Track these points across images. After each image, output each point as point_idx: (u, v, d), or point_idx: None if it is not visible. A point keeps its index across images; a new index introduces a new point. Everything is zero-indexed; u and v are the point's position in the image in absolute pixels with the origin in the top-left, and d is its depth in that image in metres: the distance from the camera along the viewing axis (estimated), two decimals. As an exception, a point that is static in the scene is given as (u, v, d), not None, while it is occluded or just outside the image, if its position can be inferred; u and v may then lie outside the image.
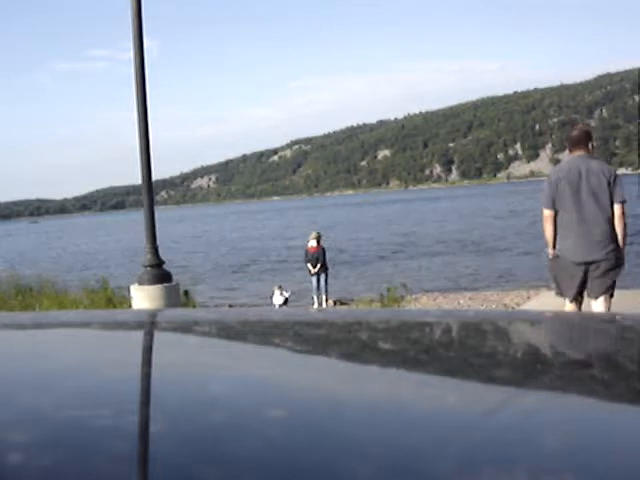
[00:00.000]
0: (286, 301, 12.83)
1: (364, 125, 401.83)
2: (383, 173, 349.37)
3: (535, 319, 1.22)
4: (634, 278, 11.40)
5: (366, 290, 14.41)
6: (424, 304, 11.99)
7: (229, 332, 1.12)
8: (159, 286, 7.37)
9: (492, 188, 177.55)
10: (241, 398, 0.67)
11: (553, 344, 1.06)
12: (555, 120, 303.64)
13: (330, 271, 14.01)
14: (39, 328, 1.20)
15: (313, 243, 13.77)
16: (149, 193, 7.69)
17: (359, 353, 0.95)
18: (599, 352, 0.97)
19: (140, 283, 7.47)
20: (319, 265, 13.46)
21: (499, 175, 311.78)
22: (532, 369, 0.82)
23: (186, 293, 10.65)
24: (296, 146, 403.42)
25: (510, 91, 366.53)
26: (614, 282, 5.11)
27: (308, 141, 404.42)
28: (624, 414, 0.65)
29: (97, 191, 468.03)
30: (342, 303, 13.16)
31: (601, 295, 5.07)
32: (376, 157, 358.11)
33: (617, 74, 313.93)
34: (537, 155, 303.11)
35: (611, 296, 5.11)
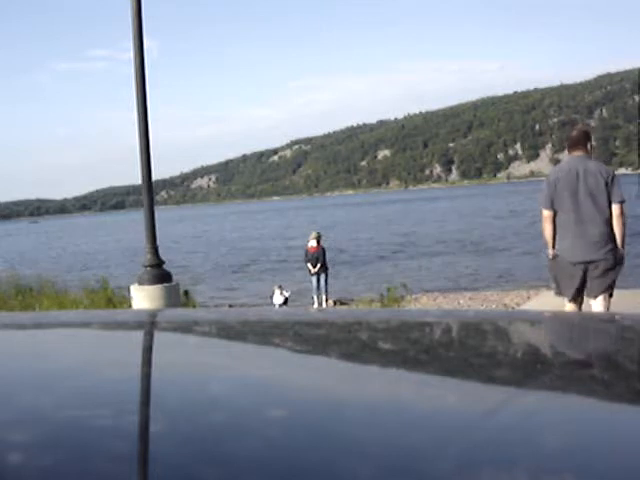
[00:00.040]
0: (286, 301, 12.83)
1: (364, 125, 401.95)
2: (383, 173, 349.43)
3: (535, 319, 1.22)
4: (634, 278, 11.40)
5: (366, 290, 14.41)
6: (424, 304, 11.99)
7: (229, 332, 1.12)
8: (159, 286, 7.37)
9: (492, 188, 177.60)
10: (241, 398, 0.67)
11: (553, 344, 1.06)
12: (555, 120, 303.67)
13: (330, 271, 14.02)
14: (39, 328, 1.20)
15: (313, 243, 13.78)
16: (149, 193, 7.70)
17: (359, 353, 0.95)
18: (599, 352, 0.97)
19: (140, 283, 7.47)
20: (319, 265, 13.47)
21: (499, 175, 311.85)
22: (532, 369, 0.82)
23: (186, 293, 10.65)
24: (296, 146, 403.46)
25: (510, 91, 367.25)
26: (613, 282, 5.12)
27: (308, 141, 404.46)
28: (624, 414, 0.65)
29: (97, 191, 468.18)
30: (342, 303, 13.17)
31: (600, 295, 5.08)
32: (376, 157, 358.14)
33: (617, 74, 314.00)
34: (537, 155, 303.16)
35: (610, 296, 5.12)
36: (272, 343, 1.04)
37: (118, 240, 51.68)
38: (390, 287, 11.72)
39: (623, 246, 5.06)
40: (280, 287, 13.15)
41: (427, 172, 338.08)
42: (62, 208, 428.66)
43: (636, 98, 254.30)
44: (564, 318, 1.35)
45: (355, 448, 0.53)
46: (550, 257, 5.25)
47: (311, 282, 13.74)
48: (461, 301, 11.94)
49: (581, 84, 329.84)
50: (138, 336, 1.15)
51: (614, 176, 5.08)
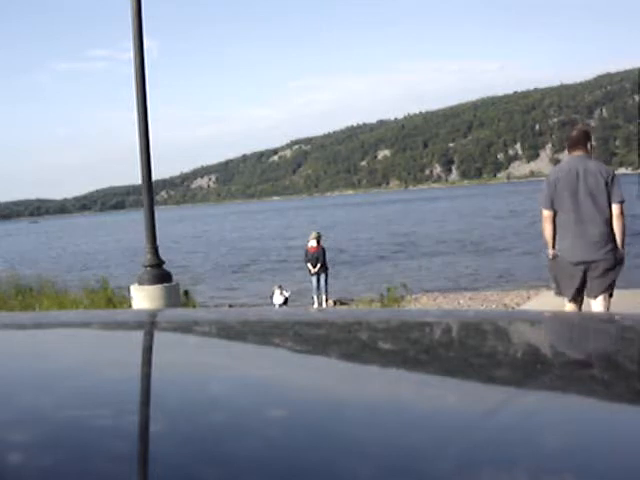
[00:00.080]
0: (286, 301, 12.82)
1: (364, 125, 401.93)
2: (383, 173, 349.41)
3: (535, 319, 1.22)
4: (634, 278, 11.40)
5: (366, 290, 14.41)
6: (424, 304, 11.99)
7: (229, 332, 1.12)
8: (159, 286, 7.37)
9: (492, 188, 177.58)
10: (241, 398, 0.67)
11: (553, 344, 1.06)
12: (555, 120, 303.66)
13: (330, 271, 14.02)
14: (39, 328, 1.20)
15: (313, 243, 13.78)
16: (149, 193, 7.69)
17: (359, 353, 0.95)
18: (599, 352, 0.97)
19: (140, 283, 7.47)
20: (319, 265, 13.47)
21: (499, 175, 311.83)
22: (532, 369, 0.82)
23: (186, 293, 10.65)
24: (296, 146, 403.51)
25: (510, 91, 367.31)
26: (613, 282, 5.12)
27: (308, 141, 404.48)
28: (624, 414, 0.65)
29: (97, 191, 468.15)
30: (342, 303, 13.17)
31: (600, 295, 5.08)
32: (376, 157, 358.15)
33: (617, 74, 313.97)
34: (537, 155, 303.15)
35: (610, 296, 5.12)
36: (272, 343, 1.04)
37: (118, 240, 51.67)
38: (390, 287, 11.72)
39: (623, 246, 5.06)
40: (280, 287, 13.15)
41: (427, 172, 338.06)
42: (62, 208, 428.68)
43: (636, 98, 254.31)
44: (564, 318, 1.35)
45: (355, 448, 0.53)
46: (550, 257, 5.25)
47: (311, 282, 13.74)
48: (461, 301, 11.94)
49: (581, 84, 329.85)
50: (138, 336, 1.15)
51: (614, 176, 5.08)
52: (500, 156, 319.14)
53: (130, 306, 7.81)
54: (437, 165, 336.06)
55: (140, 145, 7.57)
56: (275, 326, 1.14)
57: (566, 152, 5.34)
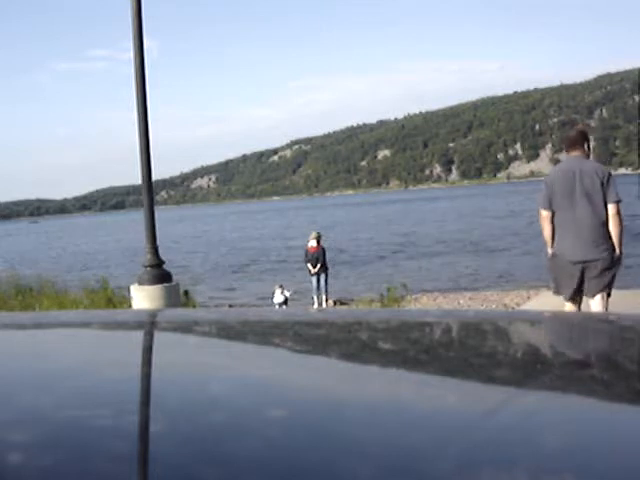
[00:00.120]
0: (286, 301, 12.81)
1: (364, 125, 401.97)
2: (383, 173, 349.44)
3: (535, 319, 1.22)
4: (634, 278, 11.41)
5: (366, 290, 14.42)
6: (424, 304, 11.99)
7: (229, 332, 1.12)
8: (159, 286, 7.37)
9: (492, 188, 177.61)
10: (241, 398, 0.67)
11: (553, 344, 1.06)
12: (555, 120, 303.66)
13: (330, 271, 14.02)
14: (39, 328, 1.20)
15: (313, 243, 13.78)
16: (149, 193, 7.69)
17: (359, 353, 0.95)
18: (599, 352, 0.97)
19: (140, 283, 7.47)
20: (319, 265, 13.47)
21: (499, 175, 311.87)
22: (532, 369, 0.82)
23: (186, 293, 10.65)
24: (296, 146, 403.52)
25: (510, 91, 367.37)
26: (611, 281, 5.12)
27: (308, 141, 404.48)
28: (624, 414, 0.65)
29: (97, 191, 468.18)
30: (342, 303, 13.17)
31: (598, 294, 5.09)
32: (376, 157, 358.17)
33: (617, 74, 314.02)
34: (537, 155, 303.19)
35: (608, 295, 5.13)
36: (272, 343, 1.04)
37: (118, 240, 51.69)
38: (390, 287, 11.73)
39: (620, 246, 5.06)
40: (281, 286, 13.13)
41: (427, 172, 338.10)
42: (62, 208, 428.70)
43: (636, 98, 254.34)
44: (564, 318, 1.35)
45: (355, 448, 0.53)
46: (549, 256, 5.28)
47: (311, 282, 13.74)
48: (461, 301, 11.95)
49: (581, 84, 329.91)
50: (138, 336, 1.15)
51: (610, 176, 5.09)
52: (500, 156, 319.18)
53: (130, 306, 7.81)
54: (437, 165, 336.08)
55: (140, 145, 7.57)
56: (275, 326, 1.14)
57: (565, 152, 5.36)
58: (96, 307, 10.14)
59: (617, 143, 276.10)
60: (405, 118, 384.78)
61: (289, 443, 0.55)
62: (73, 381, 0.75)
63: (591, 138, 5.57)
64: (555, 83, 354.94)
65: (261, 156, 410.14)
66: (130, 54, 7.47)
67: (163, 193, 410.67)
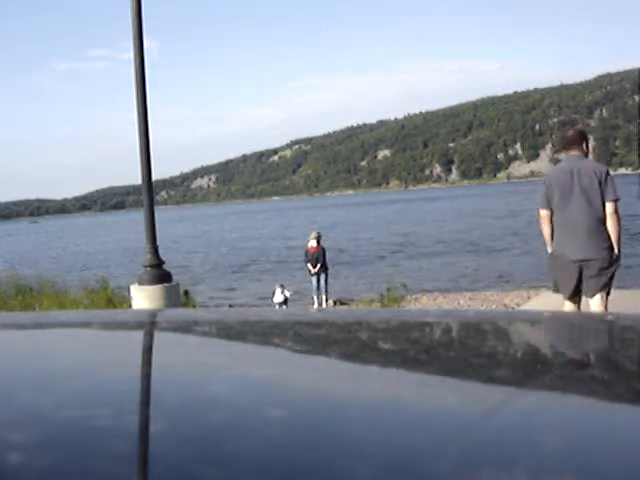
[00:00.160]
0: (286, 300, 12.80)
1: (364, 125, 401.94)
2: (383, 173, 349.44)
3: (535, 319, 1.22)
4: (634, 278, 11.41)
5: (366, 290, 14.41)
6: (424, 304, 11.99)
7: (229, 332, 1.12)
8: (159, 286, 7.37)
9: (492, 188, 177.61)
10: (241, 398, 0.67)
11: (553, 344, 1.06)
12: (555, 120, 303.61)
13: (330, 271, 14.01)
14: (39, 328, 1.20)
15: (313, 243, 13.78)
16: (149, 193, 7.69)
17: (359, 353, 0.95)
18: (599, 352, 0.97)
19: (140, 283, 7.47)
20: (319, 265, 13.47)
21: (499, 175, 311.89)
22: (532, 369, 0.82)
23: (186, 293, 10.65)
24: (296, 146, 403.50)
25: (510, 91, 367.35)
26: (610, 280, 5.12)
27: (308, 141, 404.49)
28: (624, 414, 0.65)
29: (97, 191, 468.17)
30: (342, 303, 13.16)
31: (597, 293, 5.09)
32: (376, 157, 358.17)
33: (617, 74, 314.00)
34: (537, 155, 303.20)
35: (607, 294, 5.13)
36: (272, 343, 1.04)
37: (118, 240, 51.68)
38: (390, 287, 11.73)
39: (619, 244, 5.05)
40: (282, 286, 13.11)
41: (427, 172, 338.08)
42: (62, 208, 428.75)
43: (636, 98, 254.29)
44: (564, 318, 1.35)
45: (355, 448, 0.53)
46: (549, 255, 5.29)
47: (311, 282, 13.74)
48: (461, 301, 11.94)
49: (581, 84, 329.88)
50: (138, 336, 1.15)
51: (607, 174, 5.09)
52: (500, 156, 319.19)
53: (130, 306, 7.81)
54: (437, 165, 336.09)
55: (140, 145, 7.57)
56: (275, 326, 1.14)
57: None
58: (96, 307, 10.14)
59: (617, 143, 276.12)
60: (405, 118, 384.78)
61: (289, 443, 0.55)
62: (73, 381, 0.75)
63: (591, 138, 5.58)
64: (555, 83, 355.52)
65: (261, 156, 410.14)
66: (130, 54, 7.47)
67: (163, 193, 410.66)
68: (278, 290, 12.98)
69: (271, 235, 45.26)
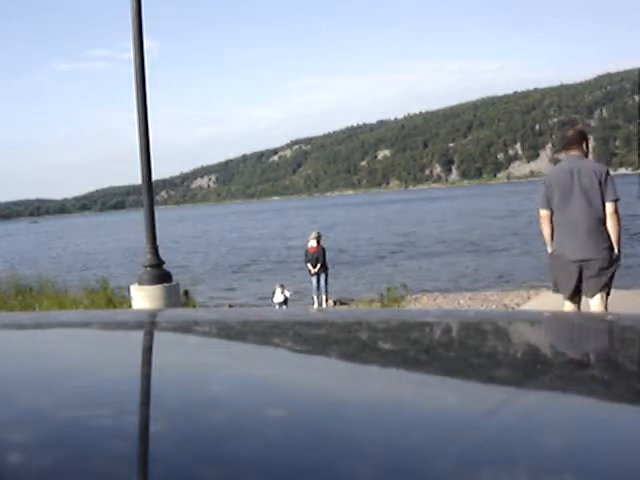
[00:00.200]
0: (286, 300, 12.80)
1: (364, 125, 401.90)
2: (383, 173, 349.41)
3: (535, 319, 1.22)
4: (634, 278, 11.41)
5: (366, 290, 14.41)
6: (424, 304, 11.99)
7: (229, 332, 1.12)
8: (159, 286, 7.37)
9: (492, 188, 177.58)
10: (241, 398, 0.67)
11: (553, 344, 1.06)
12: (555, 120, 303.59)
13: (330, 271, 14.01)
14: (39, 328, 1.20)
15: (313, 243, 13.77)
16: (149, 193, 7.69)
17: (359, 353, 0.95)
18: (599, 352, 0.97)
19: (140, 283, 7.46)
20: (319, 265, 13.46)
21: (499, 175, 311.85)
22: (532, 369, 0.82)
23: (186, 293, 10.65)
24: (296, 146, 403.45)
25: (510, 91, 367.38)
26: (610, 280, 5.12)
27: (308, 141, 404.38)
28: (624, 414, 0.65)
29: (97, 191, 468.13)
30: (342, 303, 13.16)
31: (597, 293, 5.09)
32: (376, 157, 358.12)
33: (617, 74, 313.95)
34: (537, 155, 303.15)
35: (607, 294, 5.13)
36: (272, 343, 1.04)
37: (118, 240, 51.67)
38: (390, 287, 11.73)
39: (619, 244, 5.05)
40: (282, 286, 13.10)
41: (427, 172, 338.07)
42: (62, 208, 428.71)
43: (636, 98, 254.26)
44: (564, 318, 1.35)
45: (355, 448, 0.53)
46: (549, 255, 5.29)
47: (311, 282, 13.73)
48: (461, 301, 11.94)
49: (581, 84, 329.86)
50: (138, 336, 1.15)
51: (607, 174, 5.09)
52: (500, 156, 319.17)
53: (130, 306, 7.81)
54: (437, 165, 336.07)
55: (140, 145, 7.57)
56: (275, 326, 1.14)
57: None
58: (96, 307, 10.14)
59: (617, 143, 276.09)
60: (405, 118, 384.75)
61: (289, 443, 0.55)
62: (73, 381, 0.75)
63: (591, 138, 5.58)
64: (555, 83, 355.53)
65: (261, 156, 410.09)
66: (130, 54, 7.47)
67: (163, 193, 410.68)
68: (278, 290, 12.97)
69: (271, 235, 45.25)
